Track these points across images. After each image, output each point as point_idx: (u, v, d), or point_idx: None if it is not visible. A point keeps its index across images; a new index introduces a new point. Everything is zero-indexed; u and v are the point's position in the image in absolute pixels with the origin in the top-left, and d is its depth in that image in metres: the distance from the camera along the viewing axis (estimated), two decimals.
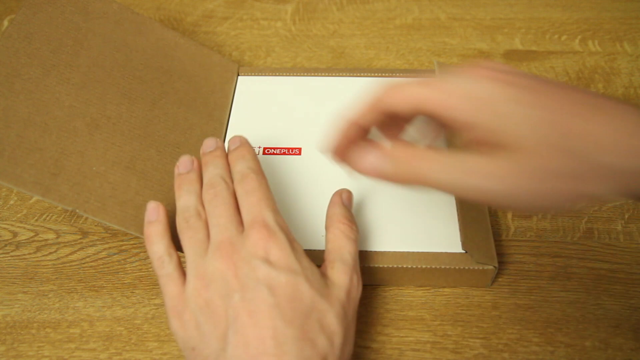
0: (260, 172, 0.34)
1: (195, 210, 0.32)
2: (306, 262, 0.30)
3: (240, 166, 0.34)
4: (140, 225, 0.35)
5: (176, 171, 0.35)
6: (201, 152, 0.36)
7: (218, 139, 0.37)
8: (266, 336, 0.27)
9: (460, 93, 0.25)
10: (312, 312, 0.28)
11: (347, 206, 0.35)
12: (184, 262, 0.31)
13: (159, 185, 0.37)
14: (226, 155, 0.36)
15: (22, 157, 0.34)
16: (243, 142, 0.36)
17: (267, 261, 0.29)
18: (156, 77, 0.42)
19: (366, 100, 0.29)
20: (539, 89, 0.24)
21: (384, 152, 0.28)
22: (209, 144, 0.36)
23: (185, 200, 0.33)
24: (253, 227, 0.30)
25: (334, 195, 0.36)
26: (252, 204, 0.31)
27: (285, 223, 0.31)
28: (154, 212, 0.33)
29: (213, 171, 0.34)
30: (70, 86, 0.38)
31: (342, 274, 0.31)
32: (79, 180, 0.35)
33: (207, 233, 0.31)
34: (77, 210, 0.34)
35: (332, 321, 0.28)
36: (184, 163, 0.35)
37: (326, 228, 0.34)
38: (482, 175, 0.24)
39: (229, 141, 0.37)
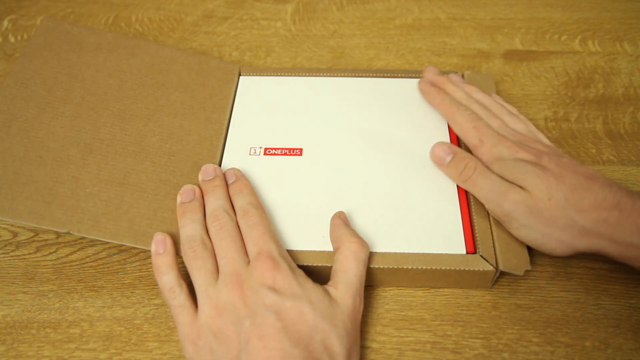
0: (259, 206, 0.36)
1: (201, 240, 0.34)
2: (309, 285, 0.32)
3: (240, 201, 0.36)
4: (134, 235, 0.36)
5: (179, 199, 0.37)
6: (200, 178, 0.38)
7: (216, 167, 0.39)
8: (276, 357, 0.29)
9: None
10: (316, 333, 0.30)
11: (349, 225, 0.36)
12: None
13: (154, 194, 0.38)
14: (225, 184, 0.38)
15: (18, 191, 0.35)
16: (239, 176, 0.38)
17: (273, 289, 0.31)
18: (151, 93, 0.43)
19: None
20: (557, 170, 0.34)
21: (450, 147, 0.39)
22: (207, 171, 0.38)
23: (190, 229, 0.35)
24: (259, 259, 0.32)
25: (333, 218, 0.37)
26: (257, 237, 0.34)
27: (286, 253, 0.34)
28: (161, 243, 0.35)
29: (215, 202, 0.36)
30: (64, 119, 0.39)
31: (345, 296, 0.32)
32: (72, 204, 0.36)
33: (214, 262, 0.33)
34: (71, 232, 0.35)
35: (334, 342, 0.30)
36: (186, 192, 0.37)
37: (335, 249, 0.35)
38: (505, 198, 0.35)
39: (225, 173, 0.39)
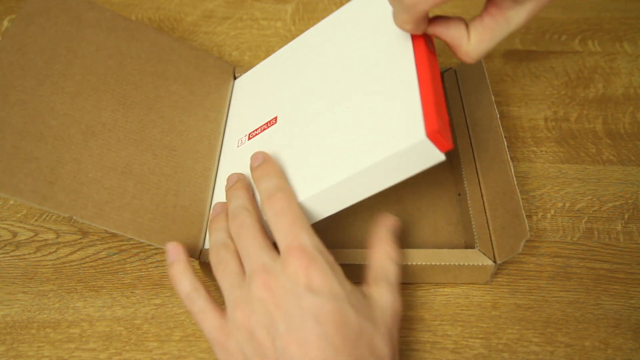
0: (287, 189, 0.33)
1: (223, 244, 0.32)
2: (348, 285, 0.30)
3: (265, 184, 0.33)
4: (138, 228, 0.35)
5: (210, 217, 0.36)
6: (225, 188, 0.36)
7: (240, 174, 0.36)
8: None
9: None
10: (361, 337, 0.28)
11: (392, 231, 0.35)
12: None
13: (156, 188, 0.37)
14: (247, 185, 0.35)
15: (18, 166, 0.34)
16: (266, 159, 0.35)
17: (311, 289, 0.28)
18: (151, 81, 0.42)
19: None
20: None
21: None
22: (231, 178, 0.36)
23: (213, 237, 0.33)
24: (290, 253, 0.29)
25: (380, 217, 0.35)
26: (286, 228, 0.30)
27: (323, 245, 0.30)
28: (173, 252, 0.33)
29: (234, 202, 0.34)
30: (64, 95, 0.38)
31: (387, 293, 0.31)
32: (75, 188, 0.35)
33: (239, 264, 0.31)
34: (75, 217, 0.34)
35: (380, 344, 0.28)
36: (215, 208, 0.36)
37: (371, 246, 0.34)
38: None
39: (251, 157, 0.36)
